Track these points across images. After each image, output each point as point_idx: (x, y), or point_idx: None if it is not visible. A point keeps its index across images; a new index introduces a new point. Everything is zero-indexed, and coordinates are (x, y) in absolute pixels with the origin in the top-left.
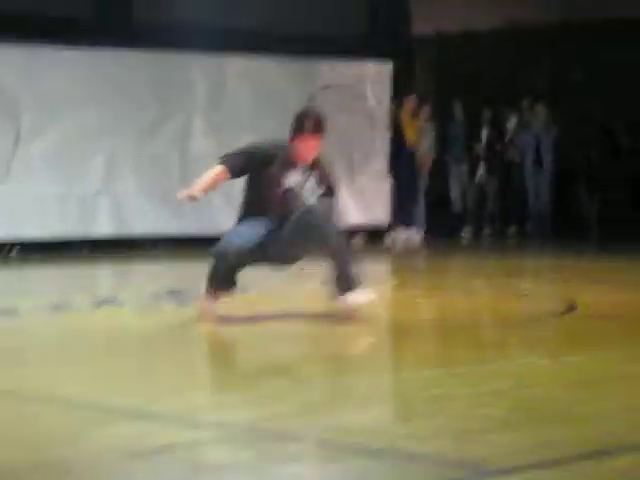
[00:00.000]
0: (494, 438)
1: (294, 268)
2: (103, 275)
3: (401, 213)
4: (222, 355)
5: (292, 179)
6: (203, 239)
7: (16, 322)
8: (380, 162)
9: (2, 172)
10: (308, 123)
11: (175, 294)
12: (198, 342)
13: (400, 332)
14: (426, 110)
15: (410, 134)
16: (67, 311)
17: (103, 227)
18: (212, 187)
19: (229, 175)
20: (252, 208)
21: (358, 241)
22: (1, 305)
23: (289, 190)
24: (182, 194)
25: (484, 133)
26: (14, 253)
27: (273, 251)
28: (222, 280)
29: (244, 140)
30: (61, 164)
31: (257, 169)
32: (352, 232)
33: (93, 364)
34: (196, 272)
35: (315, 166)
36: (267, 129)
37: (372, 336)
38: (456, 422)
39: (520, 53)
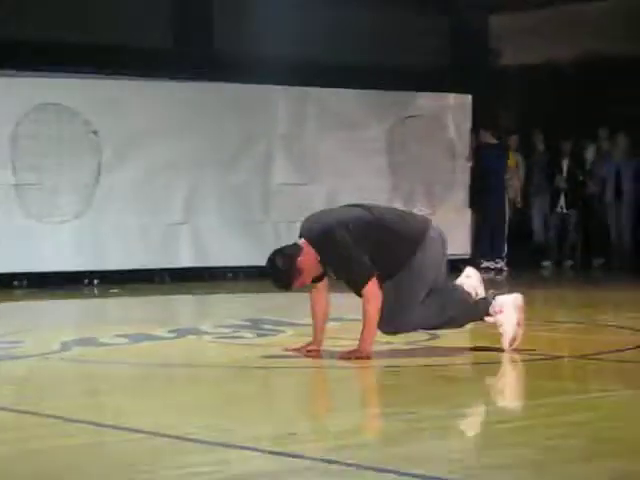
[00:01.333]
0: (574, 469)
1: None
2: (184, 305)
3: (487, 245)
4: (301, 386)
5: None
6: None
7: (97, 352)
8: (461, 193)
9: (85, 203)
10: None
11: (255, 324)
12: (275, 373)
13: (481, 364)
14: (514, 140)
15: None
16: (147, 341)
17: (185, 258)
18: None
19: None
20: None
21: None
22: (82, 335)
23: None
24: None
25: (564, 164)
26: (95, 284)
27: None
28: None
29: (324, 170)
30: (143, 195)
31: None
32: None
33: (173, 395)
34: (276, 302)
35: None
36: (347, 159)
37: (454, 369)
38: (537, 452)
39: (599, 84)
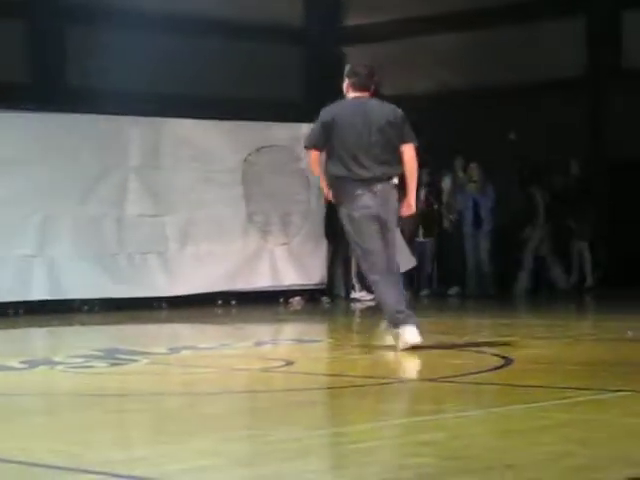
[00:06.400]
0: None
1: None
2: (38, 337)
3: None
4: (155, 410)
5: None
6: (139, 301)
7: None
8: (316, 223)
9: None
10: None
11: (109, 354)
12: (128, 400)
13: (334, 388)
14: None
15: None
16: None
17: (39, 290)
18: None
19: (318, 151)
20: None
21: (297, 302)
22: None
23: None
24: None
25: (421, 194)
26: None
27: None
28: None
29: (179, 201)
30: None
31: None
32: (291, 293)
33: (23, 422)
34: (130, 333)
35: None
36: (202, 190)
37: (308, 391)
38: (390, 471)
39: (455, 116)
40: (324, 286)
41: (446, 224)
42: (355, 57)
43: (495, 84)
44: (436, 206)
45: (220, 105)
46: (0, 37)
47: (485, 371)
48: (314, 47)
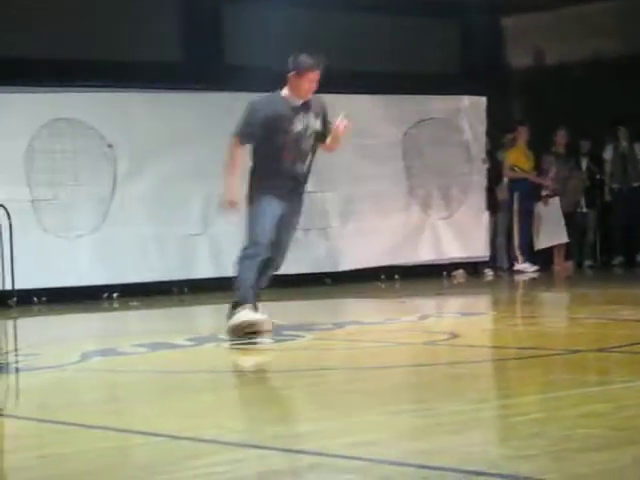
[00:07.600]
0: (594, 457)
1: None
2: (203, 315)
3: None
4: (321, 385)
5: (297, 124)
6: (303, 277)
7: (116, 361)
8: (477, 196)
9: (101, 217)
10: (306, 60)
11: (273, 330)
12: (294, 375)
13: (499, 360)
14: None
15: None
16: (166, 349)
17: (203, 268)
18: (238, 167)
19: (241, 144)
20: (265, 170)
21: (460, 275)
22: (101, 346)
23: (297, 135)
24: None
25: (583, 164)
26: (114, 297)
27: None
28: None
29: (339, 177)
30: (159, 208)
31: (264, 126)
32: (453, 266)
33: (190, 399)
34: (294, 309)
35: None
36: (362, 165)
37: (473, 363)
38: (556, 442)
39: (615, 85)
40: (487, 258)
41: (608, 195)
42: (513, 28)
43: None
44: (598, 176)
45: (378, 79)
46: (154, 16)
47: None
48: (471, 18)
